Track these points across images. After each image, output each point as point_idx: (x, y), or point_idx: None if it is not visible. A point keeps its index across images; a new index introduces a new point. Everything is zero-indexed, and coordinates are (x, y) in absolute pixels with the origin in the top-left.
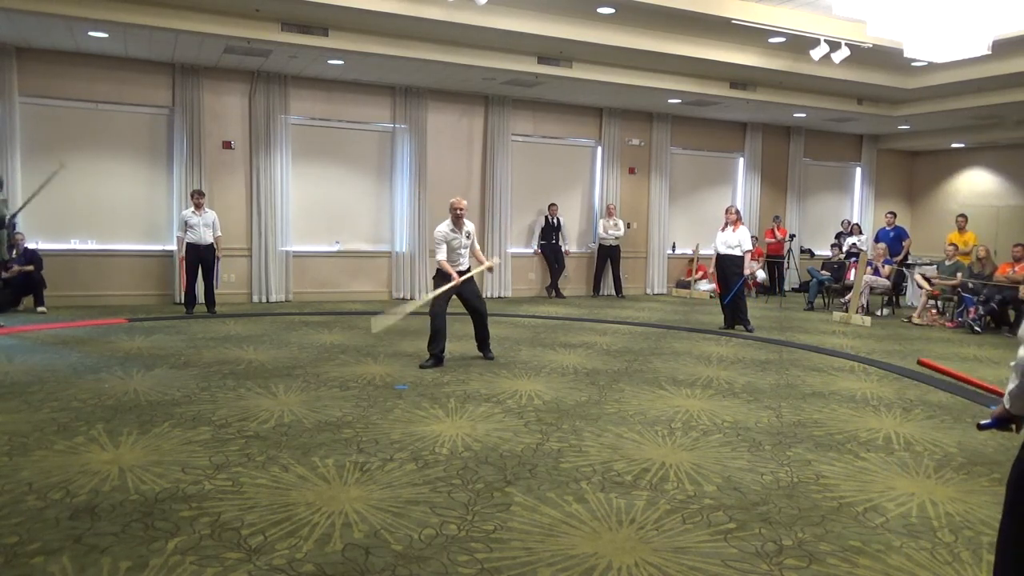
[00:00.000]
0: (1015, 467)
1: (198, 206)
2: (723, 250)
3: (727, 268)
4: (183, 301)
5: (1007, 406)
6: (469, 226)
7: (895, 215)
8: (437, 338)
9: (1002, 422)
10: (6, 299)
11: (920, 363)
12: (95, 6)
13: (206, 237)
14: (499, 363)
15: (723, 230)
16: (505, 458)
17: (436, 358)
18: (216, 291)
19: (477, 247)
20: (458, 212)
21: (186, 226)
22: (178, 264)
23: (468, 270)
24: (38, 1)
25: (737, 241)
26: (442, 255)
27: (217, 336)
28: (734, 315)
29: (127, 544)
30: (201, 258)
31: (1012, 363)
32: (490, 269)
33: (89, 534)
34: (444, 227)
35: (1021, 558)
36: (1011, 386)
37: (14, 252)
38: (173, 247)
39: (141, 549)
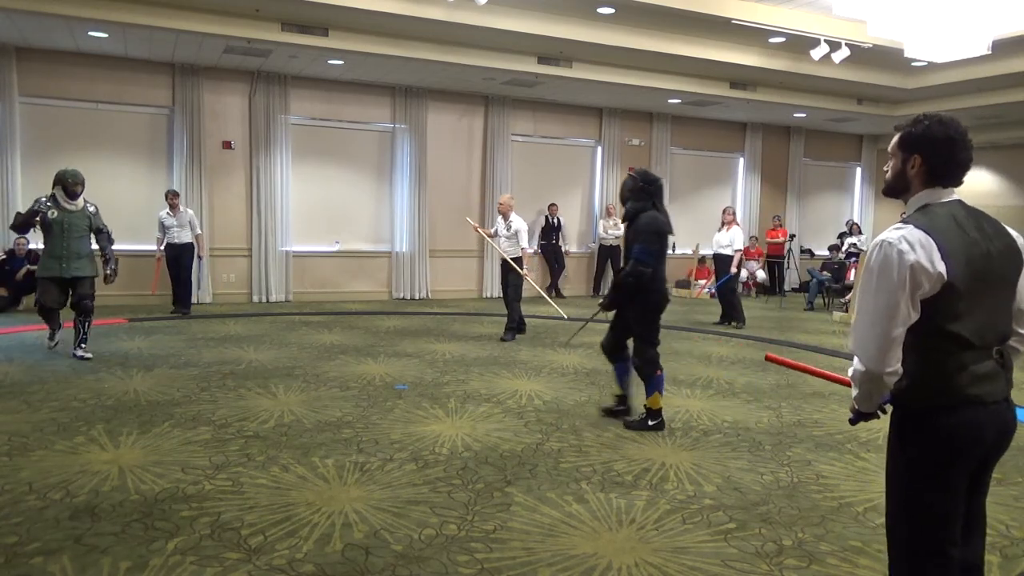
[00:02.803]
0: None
1: (173, 207)
2: (717, 249)
3: (720, 266)
4: (172, 301)
5: (858, 408)
6: (515, 221)
7: None
8: (508, 316)
9: (863, 416)
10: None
11: (768, 359)
12: (95, 6)
13: (181, 237)
14: (499, 363)
15: (719, 230)
16: (505, 458)
17: (511, 331)
18: (213, 291)
19: (526, 247)
20: (498, 207)
21: (163, 227)
22: (155, 265)
23: (513, 260)
24: (38, 1)
25: (729, 240)
26: (492, 229)
27: (217, 336)
28: (726, 310)
29: (127, 544)
30: (176, 256)
31: (850, 371)
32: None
33: (89, 534)
34: (499, 217)
35: (910, 554)
36: (854, 393)
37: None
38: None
39: (141, 549)
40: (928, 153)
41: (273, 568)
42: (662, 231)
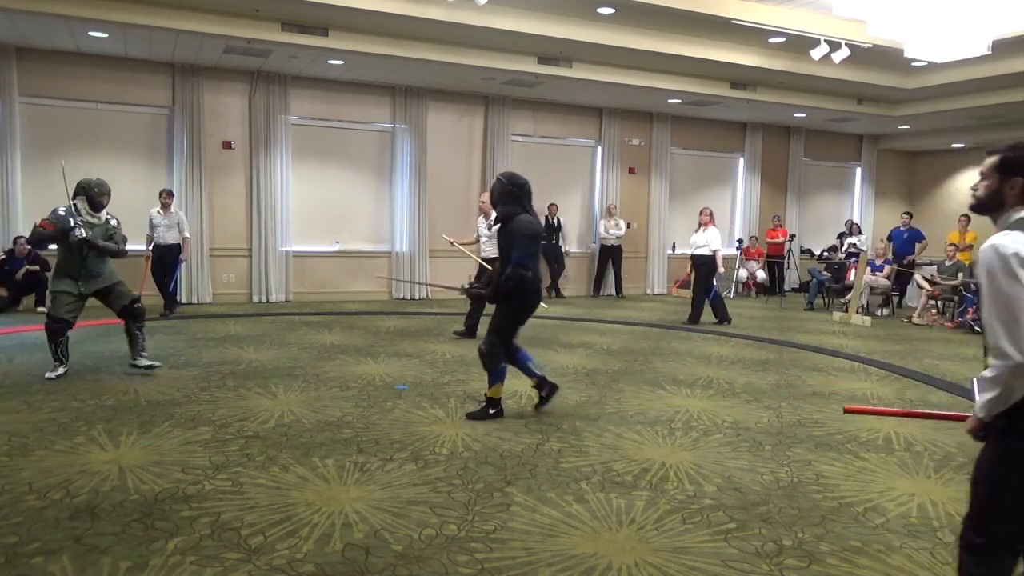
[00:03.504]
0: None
1: (164, 206)
2: (694, 250)
3: (699, 267)
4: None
5: (992, 411)
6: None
7: (911, 216)
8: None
9: (985, 427)
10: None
11: (847, 411)
12: (95, 6)
13: (167, 238)
14: None
15: (696, 231)
16: (505, 458)
17: (468, 328)
18: (213, 291)
19: None
20: (479, 205)
21: (152, 225)
22: (144, 264)
23: (492, 260)
24: (38, 1)
25: (705, 241)
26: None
27: (217, 336)
28: (696, 310)
29: (127, 544)
30: (160, 257)
31: (987, 374)
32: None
33: (89, 534)
34: (480, 218)
35: (968, 544)
36: (988, 397)
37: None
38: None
39: (141, 549)
40: None
41: (273, 568)
42: (536, 234)
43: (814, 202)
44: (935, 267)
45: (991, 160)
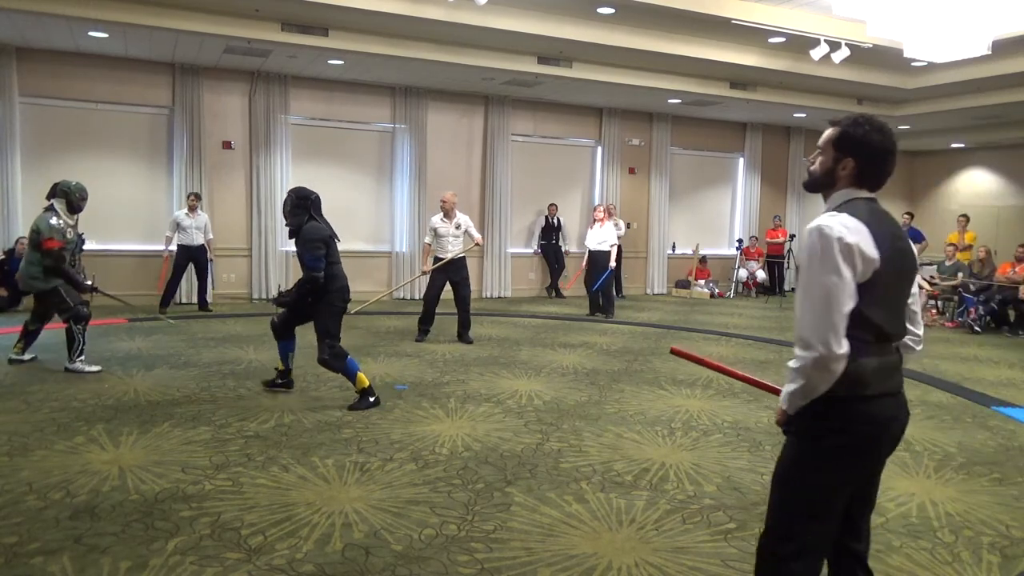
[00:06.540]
0: (778, 464)
1: (192, 208)
2: (593, 246)
3: (597, 262)
4: (159, 300)
5: (799, 403)
6: (461, 219)
7: (912, 216)
8: (425, 316)
9: (792, 418)
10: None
11: (672, 352)
12: (95, 6)
13: (197, 239)
14: (499, 363)
15: (591, 227)
16: (505, 458)
17: (423, 332)
18: (212, 291)
19: (476, 235)
20: (441, 204)
21: (177, 227)
22: (163, 262)
23: (457, 259)
24: (38, 1)
25: (603, 237)
26: (427, 239)
27: (217, 336)
28: (604, 303)
29: (127, 544)
30: (193, 259)
31: (791, 364)
32: (477, 244)
33: (89, 534)
34: (435, 218)
35: (774, 549)
36: (793, 388)
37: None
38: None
39: (141, 549)
40: (863, 159)
41: (273, 568)
42: (324, 238)
43: (814, 202)
44: (935, 267)
45: (829, 133)
